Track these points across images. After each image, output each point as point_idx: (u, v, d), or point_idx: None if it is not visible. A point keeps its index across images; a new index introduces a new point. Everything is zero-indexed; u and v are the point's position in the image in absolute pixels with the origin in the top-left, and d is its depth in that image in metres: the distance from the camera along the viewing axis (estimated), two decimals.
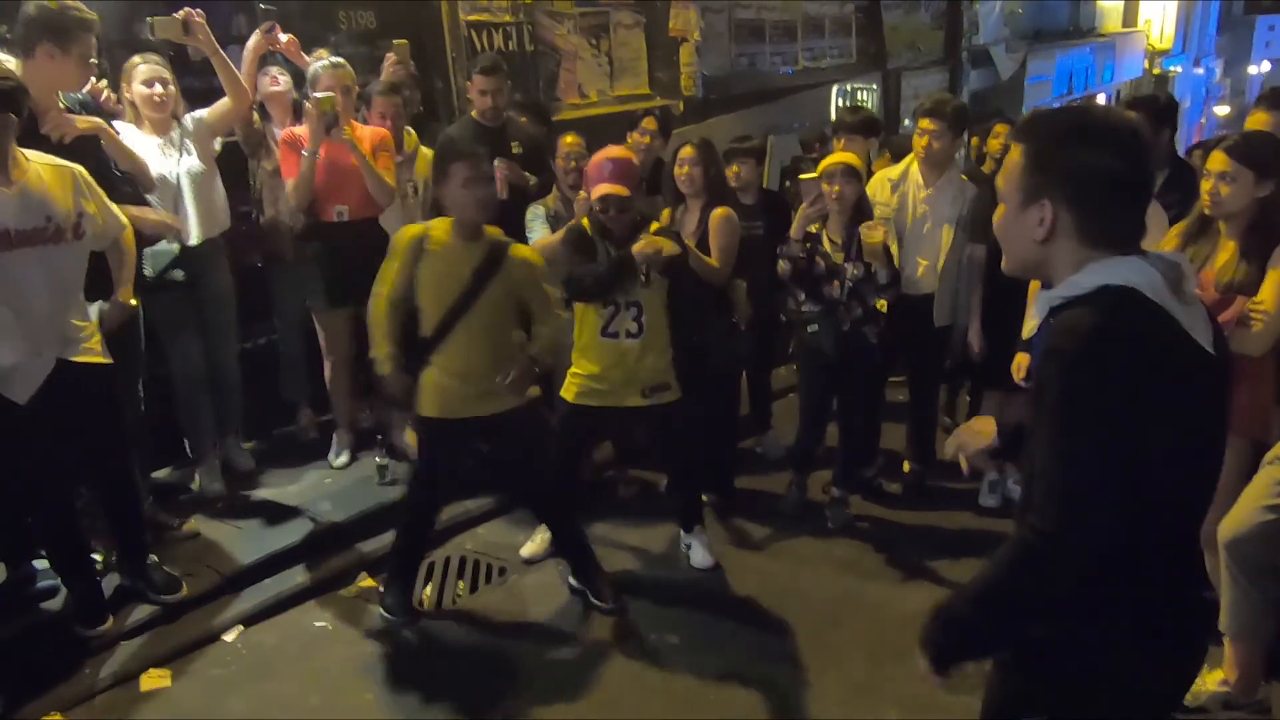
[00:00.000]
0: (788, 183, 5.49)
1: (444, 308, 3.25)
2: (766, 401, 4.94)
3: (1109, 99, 14.98)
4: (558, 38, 6.38)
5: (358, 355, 4.45)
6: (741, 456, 4.71)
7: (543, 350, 3.42)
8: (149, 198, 3.66)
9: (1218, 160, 2.83)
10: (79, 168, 3.11)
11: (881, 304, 3.99)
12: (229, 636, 3.47)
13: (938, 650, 1.58)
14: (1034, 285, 3.52)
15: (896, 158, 4.51)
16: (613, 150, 3.53)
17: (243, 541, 3.84)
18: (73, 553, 3.32)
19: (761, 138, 6.61)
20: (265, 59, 4.27)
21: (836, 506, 4.23)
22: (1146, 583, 1.44)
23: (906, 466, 4.52)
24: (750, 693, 3.14)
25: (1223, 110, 24.54)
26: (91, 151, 3.31)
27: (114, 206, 3.23)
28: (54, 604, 3.40)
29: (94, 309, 3.26)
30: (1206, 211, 2.91)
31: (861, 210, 3.90)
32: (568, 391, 3.61)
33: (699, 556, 3.86)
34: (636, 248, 3.36)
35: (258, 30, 4.16)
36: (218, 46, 3.80)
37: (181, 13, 3.64)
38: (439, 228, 3.30)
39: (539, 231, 4.13)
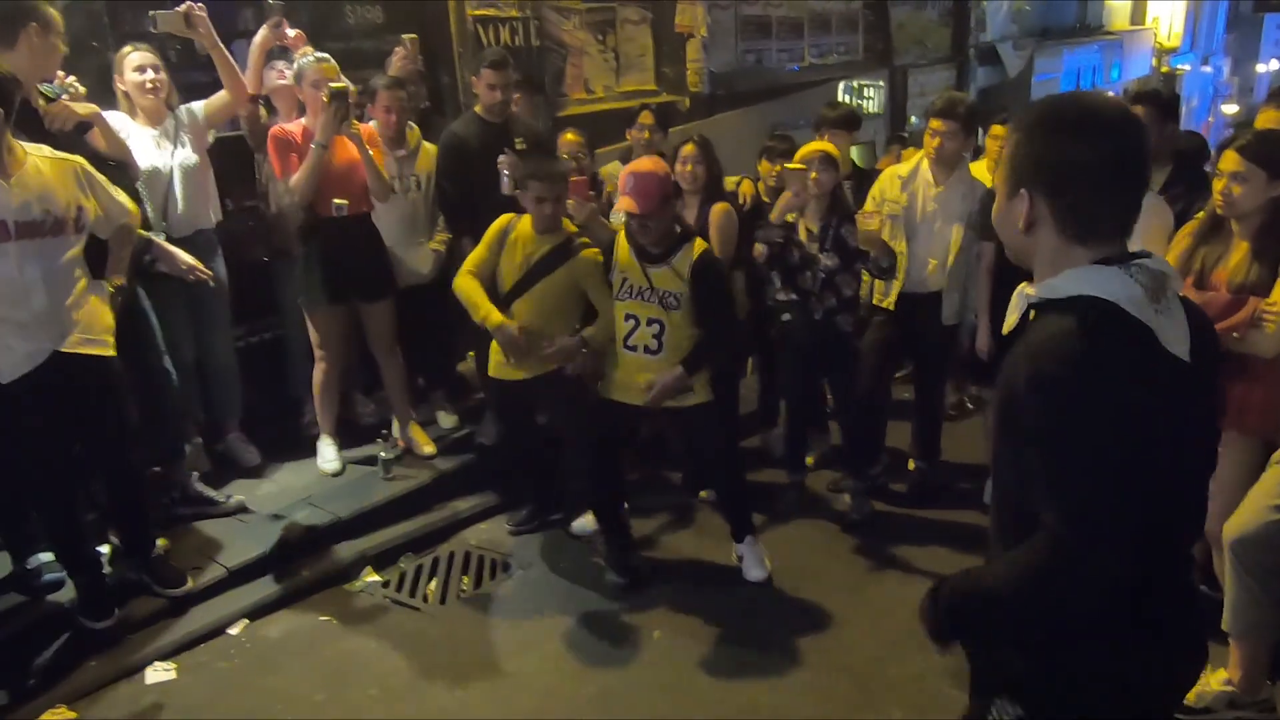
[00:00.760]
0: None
1: (511, 282, 3.72)
2: (773, 398, 4.94)
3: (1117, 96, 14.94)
4: (564, 33, 6.37)
5: (360, 354, 4.50)
6: (746, 453, 4.70)
7: (595, 336, 3.71)
8: (138, 187, 3.66)
9: (1230, 160, 2.82)
10: (81, 160, 3.10)
11: (886, 300, 4.00)
12: (234, 630, 3.48)
13: (937, 630, 1.58)
14: None
15: None
16: (642, 164, 3.56)
17: (248, 535, 3.84)
18: (76, 546, 3.33)
19: (767, 134, 6.62)
20: (272, 54, 4.27)
21: (857, 499, 4.24)
22: (1146, 585, 1.43)
23: (911, 464, 4.52)
24: (755, 689, 3.14)
25: (1231, 109, 24.43)
26: (78, 142, 3.31)
27: (119, 194, 3.22)
28: (60, 596, 3.40)
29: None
30: (1219, 211, 2.90)
31: (837, 200, 3.99)
32: (601, 385, 3.73)
33: (751, 568, 3.77)
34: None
35: (265, 25, 4.15)
36: (218, 40, 3.81)
37: (183, 6, 3.67)
38: (525, 220, 3.73)
39: None
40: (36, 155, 2.98)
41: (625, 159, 4.85)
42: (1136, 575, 1.41)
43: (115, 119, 3.63)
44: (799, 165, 3.95)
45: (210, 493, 4.02)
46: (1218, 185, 2.86)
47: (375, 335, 4.32)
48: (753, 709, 3.06)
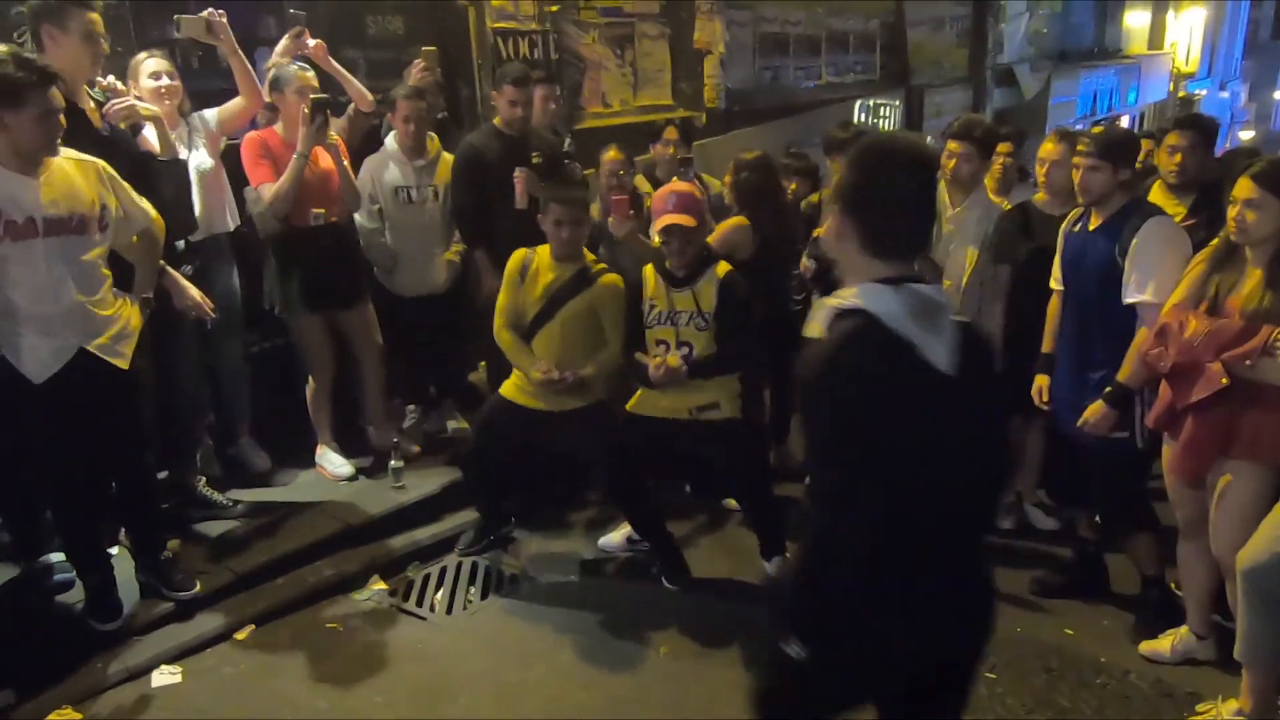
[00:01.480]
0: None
1: (533, 314, 3.73)
2: (787, 411, 4.92)
3: (1133, 121, 14.92)
4: (583, 47, 6.41)
5: (369, 355, 4.52)
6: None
7: (594, 370, 3.72)
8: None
9: (1244, 187, 2.81)
10: (102, 162, 3.15)
11: None
12: (241, 635, 3.48)
13: (778, 625, 1.81)
14: (1053, 306, 3.53)
15: None
16: (678, 185, 3.71)
17: (256, 541, 3.85)
18: (89, 547, 3.34)
19: (783, 152, 6.64)
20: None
21: None
22: (920, 562, 1.73)
23: None
24: None
25: (1247, 135, 24.35)
26: (129, 143, 3.42)
27: (140, 200, 3.27)
28: (69, 597, 3.42)
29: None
30: (1233, 238, 2.89)
31: None
32: (631, 401, 3.77)
33: None
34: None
35: (288, 35, 4.20)
36: (237, 47, 3.87)
37: (205, 13, 3.74)
38: (543, 250, 3.75)
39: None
40: (63, 156, 3.03)
41: (649, 173, 4.87)
42: (898, 551, 1.69)
43: None
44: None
45: (219, 497, 4.04)
46: (1231, 212, 2.85)
47: (357, 342, 4.35)
48: None
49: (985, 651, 2.01)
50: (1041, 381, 3.53)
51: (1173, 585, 3.45)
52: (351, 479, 4.34)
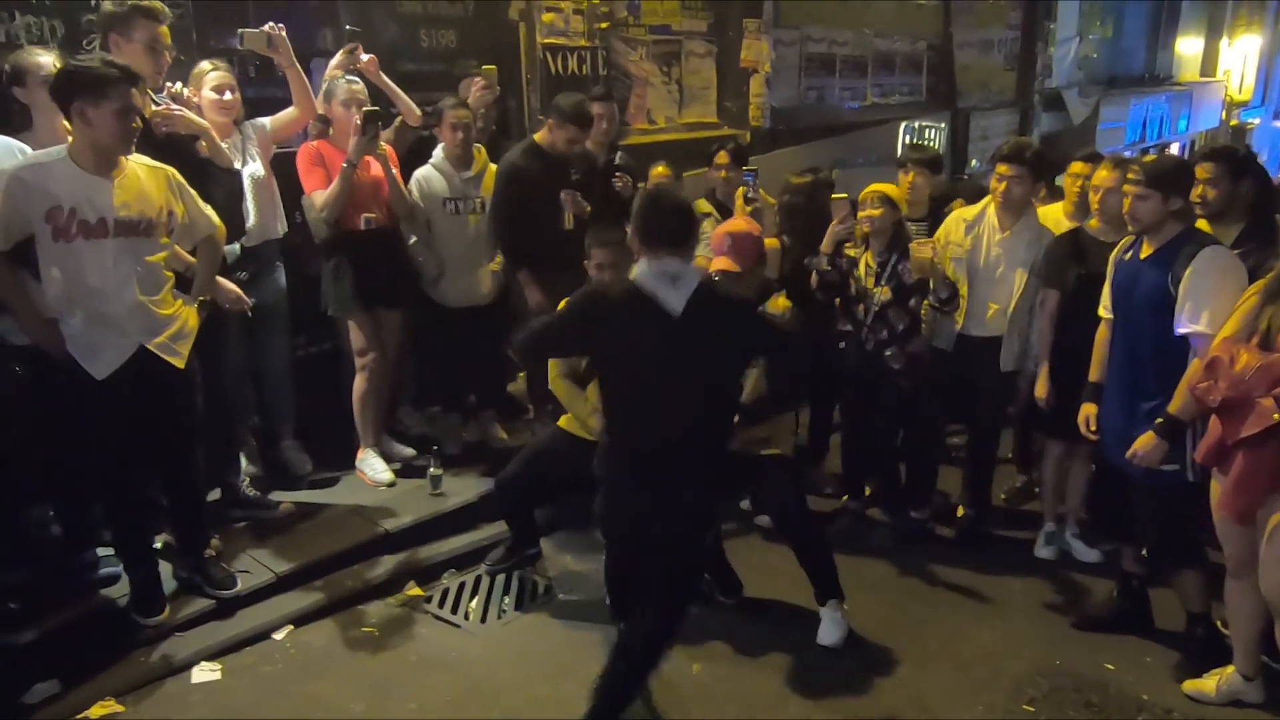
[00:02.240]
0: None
1: (586, 360, 3.64)
2: (825, 432, 4.90)
3: (1183, 148, 14.67)
4: (630, 63, 6.46)
5: (409, 367, 4.58)
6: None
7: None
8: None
9: None
10: (172, 170, 3.26)
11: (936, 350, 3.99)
12: (279, 635, 3.53)
13: None
14: (1101, 334, 3.49)
15: (970, 202, 4.48)
16: (737, 224, 3.73)
17: (297, 542, 3.91)
18: (137, 542, 3.42)
19: (827, 170, 6.63)
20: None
21: (878, 529, 4.35)
22: (639, 459, 2.75)
23: (960, 511, 4.45)
24: None
25: None
26: (188, 148, 3.52)
27: (206, 207, 3.37)
28: (113, 591, 3.49)
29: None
30: None
31: (897, 237, 4.07)
32: None
33: (826, 632, 3.54)
34: None
35: (342, 50, 4.30)
36: (294, 60, 3.98)
37: (266, 26, 3.86)
38: None
39: None
40: (136, 161, 3.14)
41: (710, 195, 4.88)
42: (631, 447, 2.77)
43: None
44: (843, 195, 4.17)
45: (261, 497, 4.11)
46: None
47: (391, 340, 4.43)
48: None
49: (700, 541, 2.92)
50: (1089, 411, 3.48)
51: (1219, 624, 3.37)
52: (390, 485, 4.38)
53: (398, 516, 4.14)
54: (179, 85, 3.69)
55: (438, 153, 4.52)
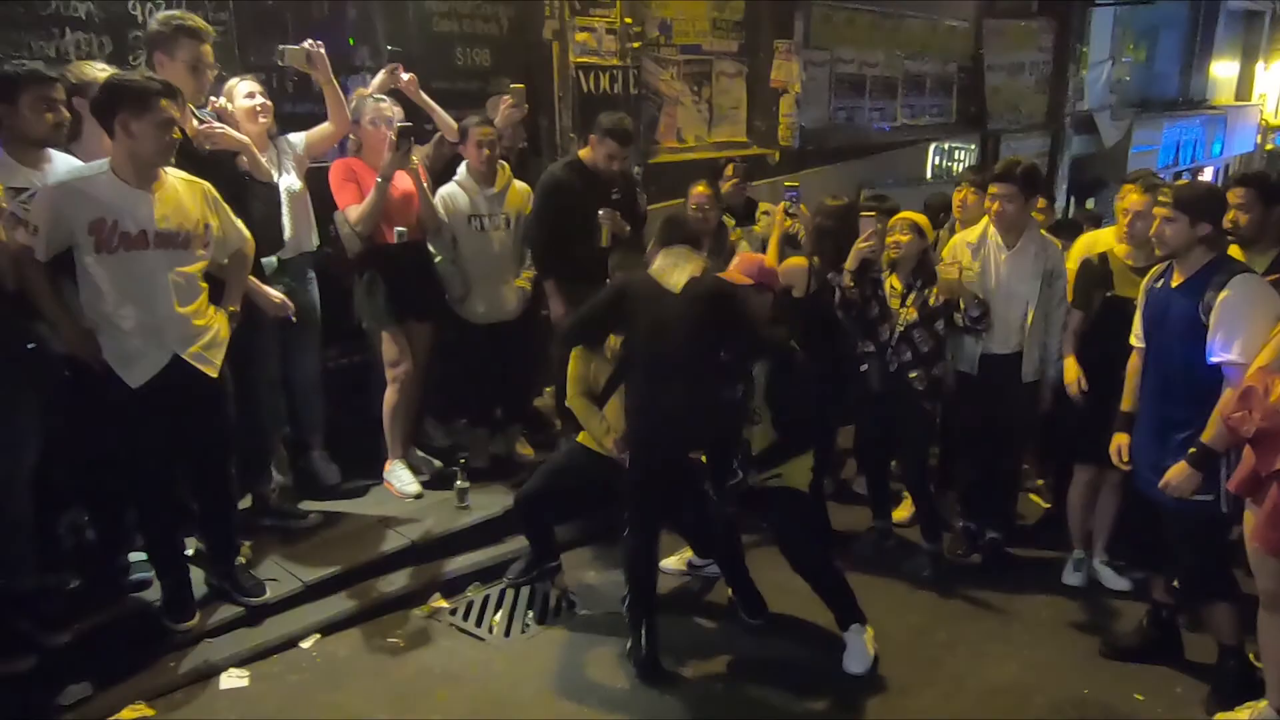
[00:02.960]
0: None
1: (604, 379, 3.82)
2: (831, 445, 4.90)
3: (1217, 172, 14.53)
4: (661, 83, 6.51)
5: (434, 380, 4.62)
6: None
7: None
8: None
9: None
10: (208, 184, 3.33)
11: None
12: (306, 644, 3.56)
13: None
14: (1133, 363, 3.47)
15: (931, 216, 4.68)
16: (745, 258, 3.92)
17: (324, 552, 3.95)
18: (169, 548, 3.47)
19: (855, 191, 6.65)
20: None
21: (917, 557, 4.30)
22: (647, 395, 3.47)
23: (986, 533, 4.42)
24: None
25: None
26: (229, 163, 3.60)
27: (238, 221, 3.44)
28: (145, 596, 3.54)
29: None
30: None
31: (924, 262, 4.11)
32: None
33: (852, 660, 3.52)
34: None
35: (384, 70, 4.39)
36: (332, 77, 4.05)
37: (306, 43, 3.94)
38: None
39: None
40: (174, 175, 3.22)
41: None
42: (641, 386, 3.48)
43: None
44: (871, 213, 4.26)
45: (291, 507, 4.16)
46: None
47: (416, 353, 4.47)
48: None
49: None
50: (1121, 440, 3.46)
51: (1251, 656, 3.32)
52: (417, 497, 4.42)
53: (424, 528, 4.18)
54: (222, 100, 3.77)
55: (462, 170, 4.56)
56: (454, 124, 4.58)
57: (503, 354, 4.63)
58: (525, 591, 4.03)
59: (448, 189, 4.52)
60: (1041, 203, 4.45)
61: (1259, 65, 16.27)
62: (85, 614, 3.37)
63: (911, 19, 8.68)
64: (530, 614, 3.88)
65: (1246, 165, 15.30)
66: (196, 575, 3.61)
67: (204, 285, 3.32)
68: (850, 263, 4.14)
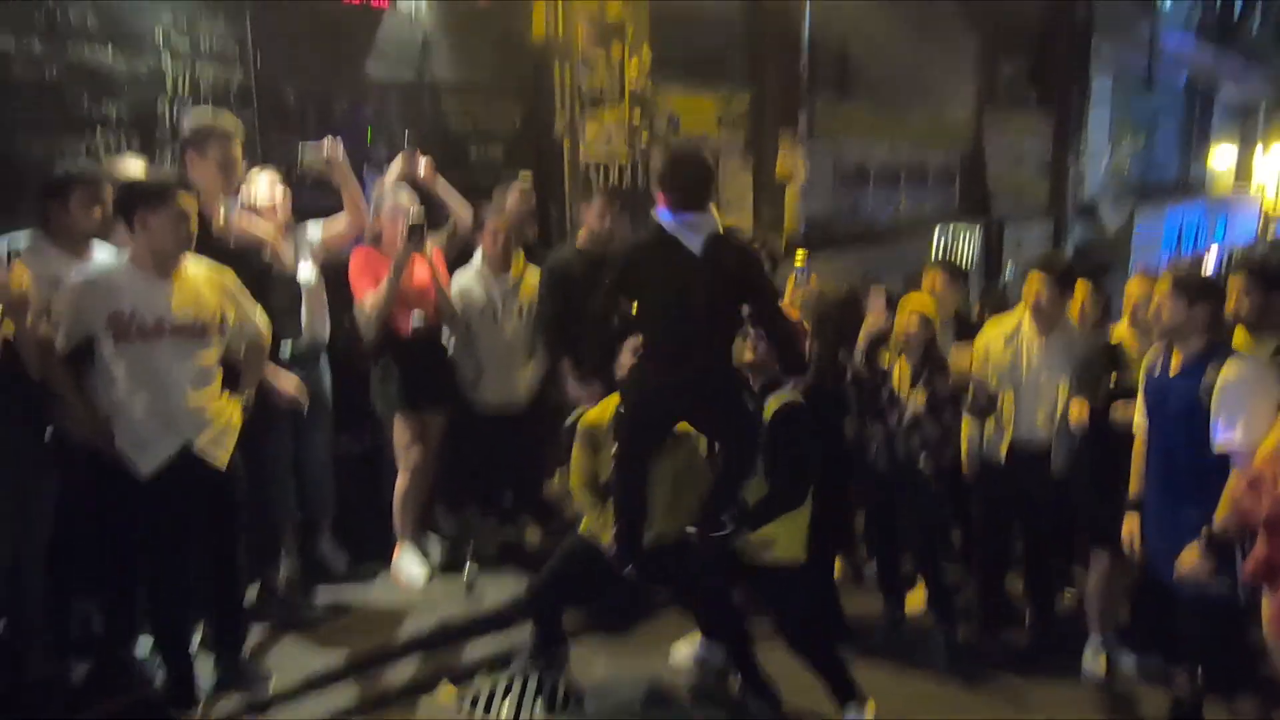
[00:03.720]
0: None
1: (606, 475, 3.68)
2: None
3: (1220, 259, 14.65)
4: None
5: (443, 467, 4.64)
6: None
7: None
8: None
9: None
10: (230, 274, 3.42)
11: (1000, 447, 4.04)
12: None
13: None
14: (1138, 448, 3.47)
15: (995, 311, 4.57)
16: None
17: (331, 641, 3.92)
18: (175, 637, 3.46)
19: (860, 279, 6.70)
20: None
21: (929, 640, 4.24)
22: (667, 355, 3.36)
23: (1026, 621, 4.34)
24: None
25: None
26: (254, 255, 3.72)
27: (256, 311, 3.51)
28: (152, 684, 3.50)
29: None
30: None
31: (931, 350, 4.14)
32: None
33: None
34: None
35: (400, 157, 4.50)
36: (351, 175, 4.18)
37: (325, 143, 4.09)
38: (610, 406, 3.68)
39: None
40: (195, 263, 3.32)
41: None
42: (658, 347, 3.39)
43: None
44: (882, 288, 4.39)
45: (298, 595, 4.14)
46: None
47: (429, 441, 4.49)
48: None
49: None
50: (1132, 526, 3.44)
51: None
52: (426, 584, 4.40)
53: (432, 616, 4.14)
54: (252, 195, 3.90)
55: (477, 257, 4.65)
56: (470, 214, 4.69)
57: (513, 442, 4.65)
58: (533, 680, 3.96)
59: (463, 280, 4.60)
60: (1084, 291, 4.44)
61: (1258, 149, 16.56)
62: (92, 702, 3.34)
63: (913, 111, 8.94)
64: (538, 703, 3.81)
65: (1250, 253, 15.42)
66: (204, 662, 3.58)
67: (218, 373, 3.38)
68: (862, 340, 4.21)
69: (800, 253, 5.50)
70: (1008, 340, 4.15)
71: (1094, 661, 4.09)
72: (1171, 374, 3.28)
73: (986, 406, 4.01)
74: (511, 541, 4.84)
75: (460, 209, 4.70)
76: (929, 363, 4.12)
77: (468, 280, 4.61)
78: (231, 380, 3.50)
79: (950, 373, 4.06)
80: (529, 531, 4.91)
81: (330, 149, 4.10)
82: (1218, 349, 3.20)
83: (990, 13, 9.48)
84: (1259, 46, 15.46)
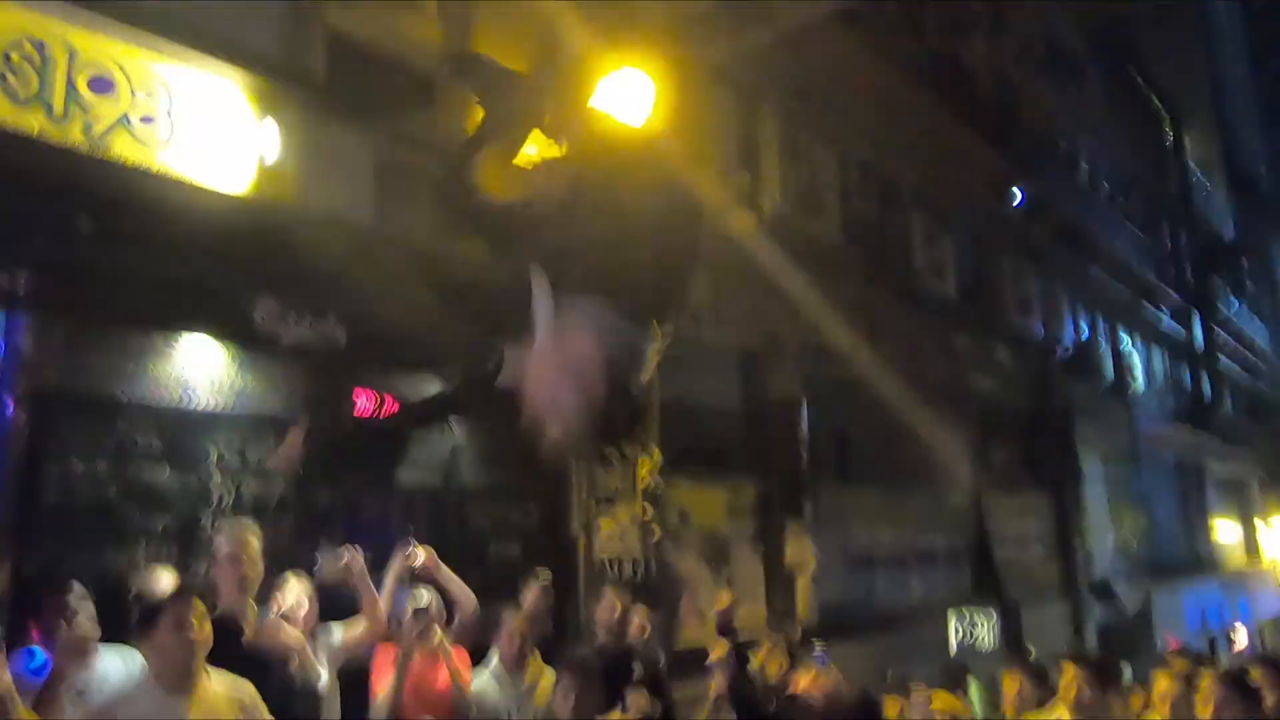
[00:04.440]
0: None
1: None
2: None
3: (1251, 638, 14.20)
4: (680, 563, 6.81)
5: None
6: None
7: None
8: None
9: None
10: (250, 688, 3.42)
11: None
12: None
13: None
14: None
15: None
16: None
17: None
18: None
19: (878, 674, 6.50)
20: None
21: None
22: None
23: None
24: None
25: None
26: (279, 666, 3.75)
27: None
28: None
29: None
30: None
31: None
32: None
33: None
34: None
35: (396, 555, 4.52)
36: (369, 583, 4.26)
37: (344, 551, 4.24)
38: None
39: None
40: (215, 676, 3.33)
41: None
42: None
43: None
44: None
45: None
46: None
47: None
48: None
49: None
50: None
51: None
52: None
53: None
54: (284, 601, 4.01)
55: (494, 659, 4.60)
56: (472, 600, 4.65)
57: None
58: None
59: (479, 682, 4.52)
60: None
61: (1258, 522, 16.75)
62: None
63: (913, 495, 9.23)
64: None
65: (1277, 629, 15.04)
66: None
67: None
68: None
69: (818, 643, 5.47)
70: None
71: None
72: None
73: None
74: None
75: (462, 596, 4.69)
76: None
77: (483, 683, 4.52)
78: None
79: None
80: None
81: (350, 558, 4.22)
82: None
83: (976, 404, 10.14)
84: (1235, 428, 16.28)
